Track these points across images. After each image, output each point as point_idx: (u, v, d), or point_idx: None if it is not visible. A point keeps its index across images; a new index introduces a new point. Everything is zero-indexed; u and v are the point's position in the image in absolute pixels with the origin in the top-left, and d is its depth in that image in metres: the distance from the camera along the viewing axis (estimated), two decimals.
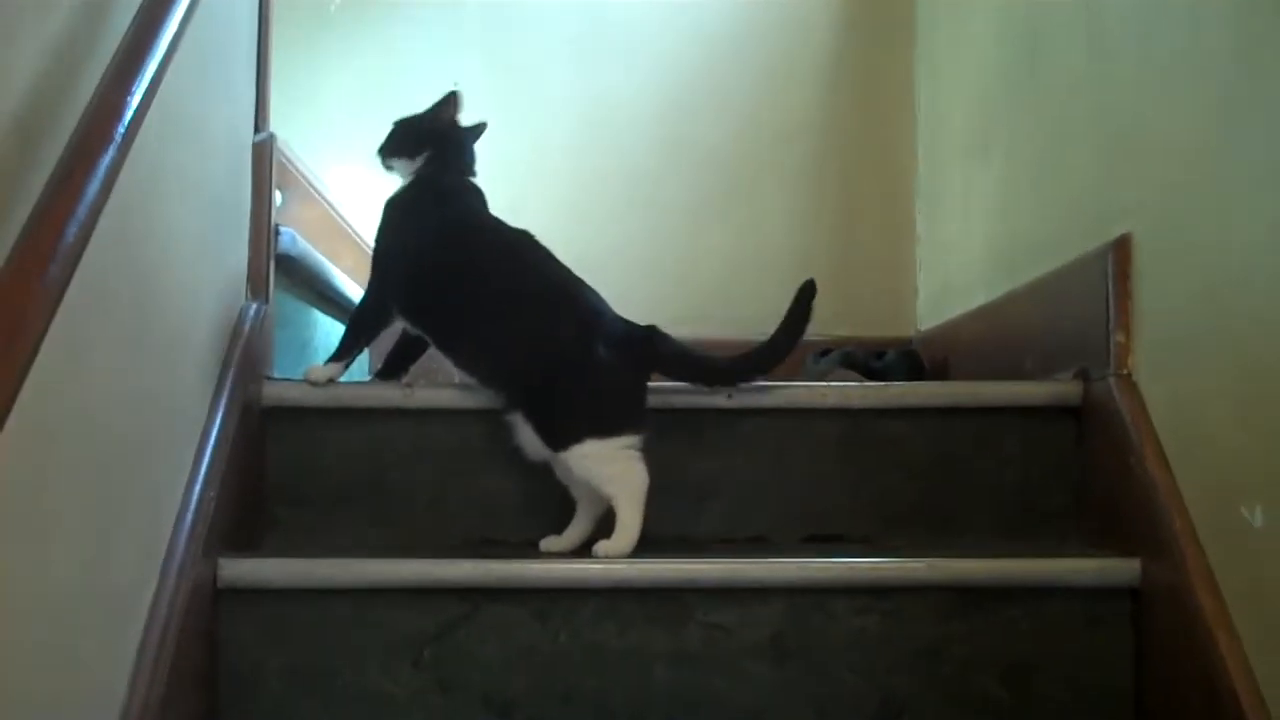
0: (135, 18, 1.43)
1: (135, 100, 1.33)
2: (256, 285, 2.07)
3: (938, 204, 3.43)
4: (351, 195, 3.15)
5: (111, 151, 1.27)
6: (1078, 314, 2.14)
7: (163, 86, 1.43)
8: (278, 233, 2.14)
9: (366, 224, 2.99)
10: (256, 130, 2.12)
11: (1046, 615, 1.88)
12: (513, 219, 3.57)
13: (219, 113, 1.94)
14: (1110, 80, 2.13)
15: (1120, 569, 1.87)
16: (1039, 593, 1.89)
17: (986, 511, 2.10)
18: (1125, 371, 1.98)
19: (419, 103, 3.59)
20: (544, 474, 2.03)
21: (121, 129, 1.29)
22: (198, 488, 1.76)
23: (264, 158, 2.10)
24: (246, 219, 2.05)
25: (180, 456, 1.76)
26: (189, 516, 1.72)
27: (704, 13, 3.75)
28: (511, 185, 3.61)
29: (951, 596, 1.89)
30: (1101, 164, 2.16)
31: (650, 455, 1.99)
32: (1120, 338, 1.99)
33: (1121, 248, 2.01)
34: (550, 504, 2.04)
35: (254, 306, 2.04)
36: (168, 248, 1.69)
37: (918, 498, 2.11)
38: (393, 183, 3.48)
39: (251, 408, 1.99)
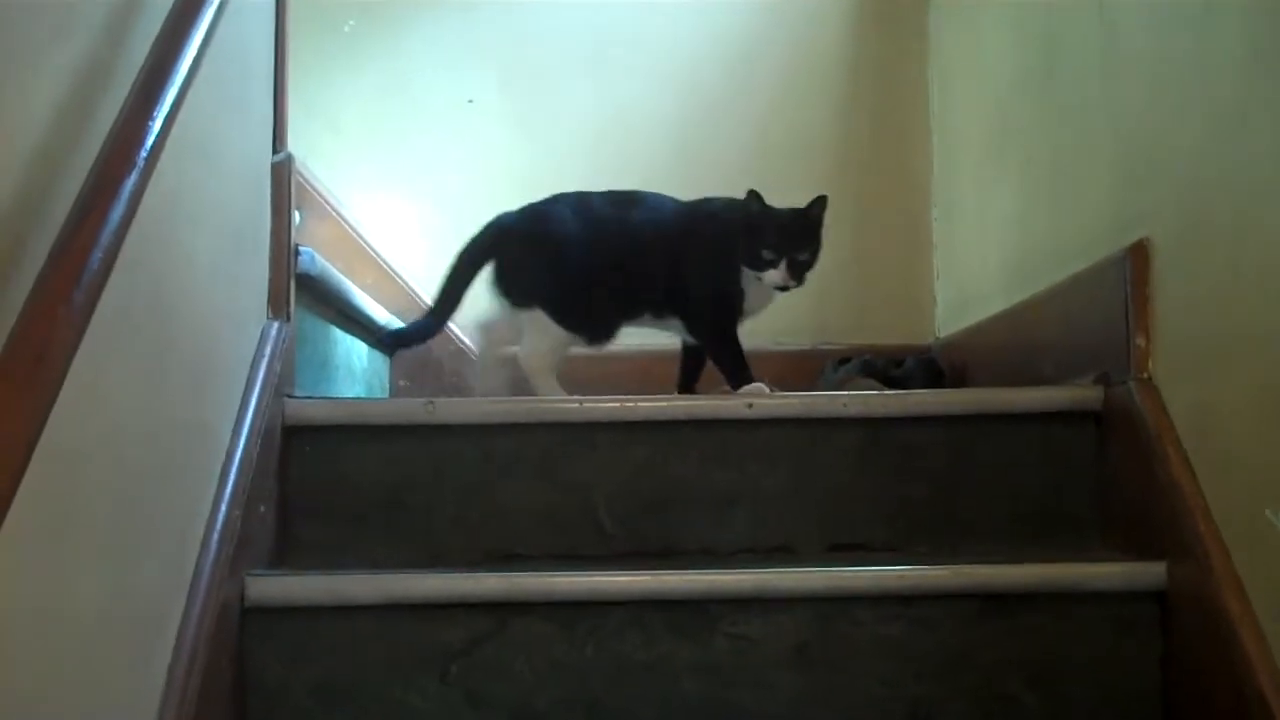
0: (154, 45, 1.44)
1: (156, 126, 1.34)
2: (278, 305, 2.07)
3: (954, 212, 3.43)
4: (369, 211, 3.17)
5: (134, 177, 1.28)
6: (1097, 319, 2.14)
7: (182, 111, 1.44)
8: (297, 252, 2.14)
9: (384, 240, 3.02)
10: (275, 151, 2.12)
11: (1073, 620, 1.88)
12: None
13: (237, 135, 1.95)
14: (1125, 86, 2.14)
15: (1146, 573, 1.86)
16: (1064, 597, 1.89)
17: (1009, 517, 2.10)
18: (1146, 375, 1.98)
19: (433, 118, 3.63)
20: (565, 487, 2.04)
21: (144, 155, 1.30)
22: (224, 508, 1.77)
23: (283, 178, 2.10)
24: (267, 239, 2.06)
25: (205, 477, 1.76)
26: (215, 537, 1.73)
27: (718, 26, 3.76)
28: (529, 199, 3.64)
29: (977, 603, 1.89)
30: (1118, 169, 2.16)
31: (672, 466, 2.06)
32: (1140, 342, 1.99)
33: (1139, 252, 2.01)
34: (577, 517, 2.06)
35: (276, 326, 2.05)
36: (189, 270, 1.70)
37: (940, 505, 2.10)
38: (405, 196, 3.53)
39: (274, 426, 1.99)
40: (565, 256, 2.38)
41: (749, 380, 2.27)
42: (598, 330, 2.40)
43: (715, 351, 2.39)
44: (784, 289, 2.28)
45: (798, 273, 2.27)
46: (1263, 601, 1.65)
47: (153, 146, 1.32)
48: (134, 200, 1.28)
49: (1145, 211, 2.03)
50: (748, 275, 2.30)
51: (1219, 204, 1.79)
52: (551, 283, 2.39)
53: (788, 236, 2.26)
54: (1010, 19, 2.94)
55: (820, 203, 2.29)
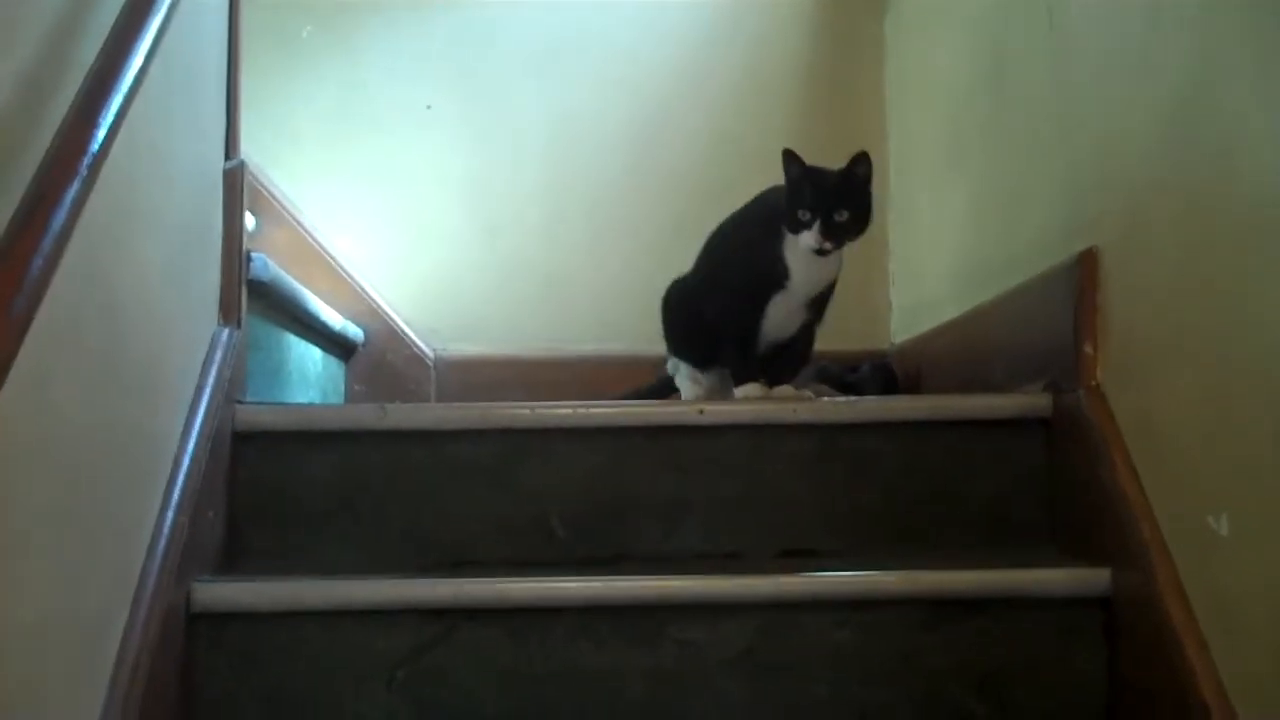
0: (100, 52, 1.43)
1: (100, 134, 1.33)
2: (229, 311, 2.06)
3: (910, 219, 3.45)
4: (326, 217, 3.16)
5: (77, 185, 1.27)
6: (1046, 326, 2.15)
7: (130, 118, 1.44)
8: (250, 258, 2.14)
9: (341, 245, 3.01)
10: (227, 157, 2.11)
11: (1019, 626, 1.89)
12: (488, 239, 3.61)
13: (188, 141, 1.94)
14: (1073, 95, 2.15)
15: (1091, 579, 1.88)
16: (1011, 603, 1.90)
17: (960, 523, 2.11)
18: (1094, 383, 1.99)
19: (391, 124, 3.62)
20: (518, 493, 2.04)
21: (87, 162, 1.29)
22: (170, 514, 1.76)
23: (235, 184, 2.09)
24: (218, 245, 2.05)
25: (153, 483, 1.75)
26: (161, 543, 1.72)
27: (674, 33, 3.76)
28: (486, 206, 3.65)
29: (925, 609, 1.89)
30: (1067, 177, 2.18)
31: (624, 472, 2.06)
32: (1088, 349, 2.00)
33: (1087, 261, 2.02)
34: (529, 523, 2.06)
35: (227, 332, 2.04)
36: (138, 277, 1.69)
37: (891, 511, 2.11)
38: (363, 203, 3.51)
39: (224, 432, 1.98)
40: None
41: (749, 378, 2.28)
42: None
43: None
44: (821, 252, 2.18)
45: (835, 234, 2.17)
46: (1205, 609, 1.66)
47: (97, 154, 1.31)
48: (76, 208, 1.27)
49: (1094, 220, 2.05)
50: (791, 245, 2.23)
51: (1164, 213, 1.80)
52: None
53: (825, 195, 2.17)
54: (962, 27, 2.95)
55: (861, 159, 2.20)
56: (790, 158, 2.21)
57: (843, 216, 2.17)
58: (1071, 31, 2.17)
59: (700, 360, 2.33)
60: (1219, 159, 1.64)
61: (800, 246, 2.20)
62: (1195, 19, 1.71)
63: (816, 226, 2.16)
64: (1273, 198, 1.51)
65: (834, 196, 2.17)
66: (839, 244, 2.19)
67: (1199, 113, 1.69)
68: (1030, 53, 2.39)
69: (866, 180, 2.21)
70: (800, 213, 2.18)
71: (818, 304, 2.31)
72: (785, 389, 2.25)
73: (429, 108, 3.67)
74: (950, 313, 2.87)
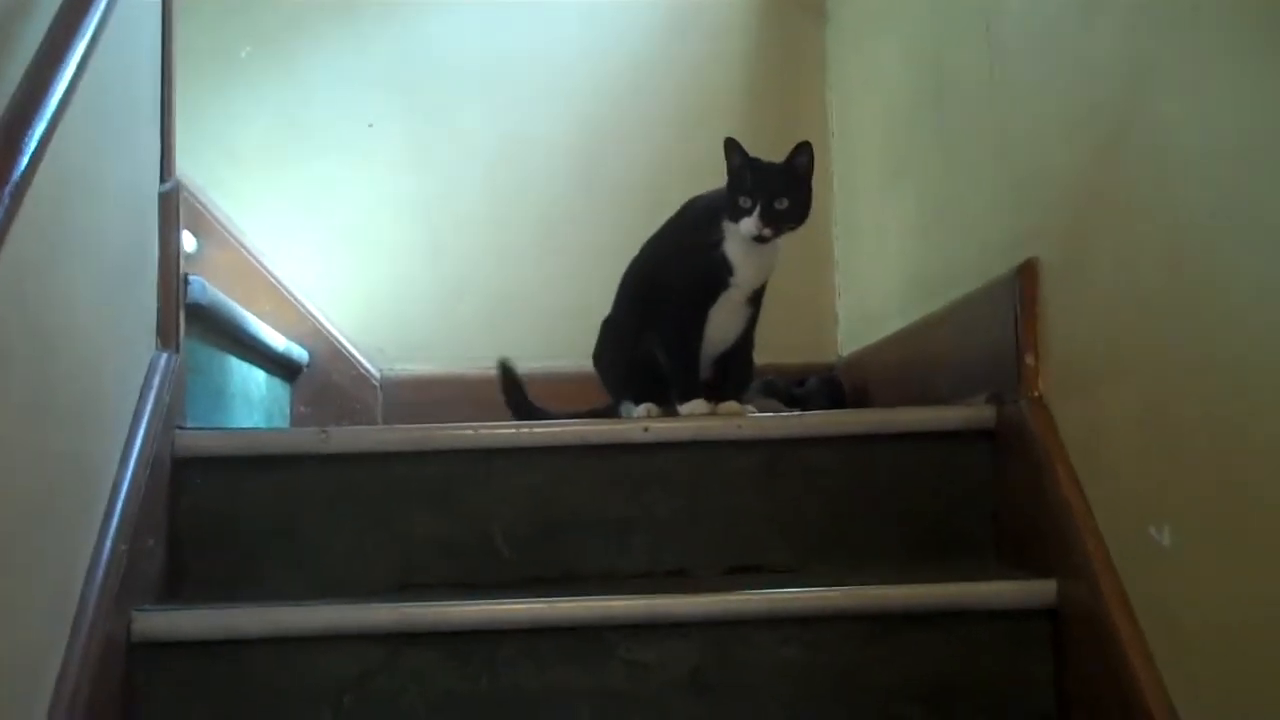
0: (23, 79, 1.41)
1: (23, 161, 1.32)
2: (167, 335, 2.04)
3: (854, 232, 3.45)
4: (269, 237, 3.13)
5: None
6: (989, 338, 2.15)
7: (56, 143, 1.42)
8: (188, 281, 2.11)
9: (284, 265, 2.99)
10: (163, 179, 2.09)
11: (966, 639, 1.89)
12: (432, 261, 3.59)
13: (121, 164, 1.92)
14: (1012, 108, 2.16)
15: (1037, 591, 1.87)
16: (958, 616, 1.90)
17: (907, 536, 2.10)
18: (1036, 394, 1.99)
19: (333, 143, 3.60)
20: (462, 514, 2.03)
21: (9, 190, 1.27)
22: (109, 542, 1.73)
23: (170, 206, 2.07)
24: (154, 269, 2.03)
25: (91, 512, 1.73)
26: (100, 572, 1.69)
27: (615, 49, 3.76)
28: (431, 224, 3.63)
29: (871, 623, 1.89)
30: (1008, 188, 2.18)
31: (569, 491, 2.05)
32: (1030, 361, 2.01)
33: (1027, 272, 2.02)
34: (474, 544, 2.04)
35: (164, 356, 2.02)
36: (69, 304, 1.67)
37: (838, 525, 2.11)
38: (307, 222, 3.49)
39: (164, 459, 1.96)
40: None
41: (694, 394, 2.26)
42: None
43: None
44: (760, 239, 2.19)
45: (774, 220, 2.17)
46: (1150, 620, 1.66)
47: (19, 181, 1.29)
48: None
49: (1034, 231, 2.05)
50: (733, 238, 2.23)
51: (1101, 224, 1.80)
52: None
53: (766, 183, 2.18)
54: (902, 40, 2.96)
55: (803, 149, 2.21)
56: (732, 146, 2.23)
57: (782, 204, 2.18)
58: (1009, 44, 2.18)
59: (641, 392, 2.31)
60: (1153, 171, 1.64)
61: (740, 234, 2.20)
62: (1129, 33, 1.71)
63: (757, 212, 2.17)
64: (1205, 210, 1.52)
65: (775, 184, 2.18)
66: (778, 231, 2.20)
67: (1133, 125, 1.70)
68: (969, 64, 2.39)
69: (807, 170, 2.22)
70: (741, 199, 2.19)
71: (756, 299, 2.31)
72: (731, 405, 2.24)
73: (371, 126, 3.65)
74: (896, 325, 2.88)
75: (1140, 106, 1.68)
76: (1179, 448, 1.59)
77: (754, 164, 2.22)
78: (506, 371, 2.66)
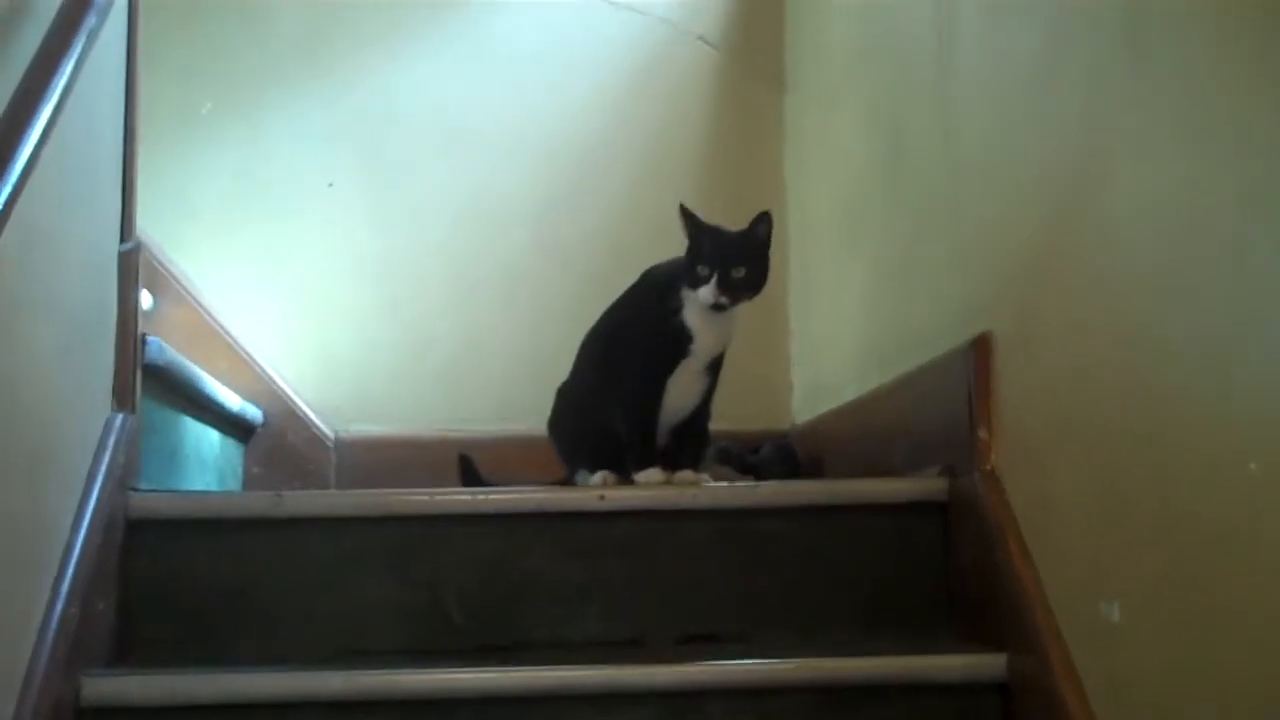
0: None
1: None
2: (123, 396, 2.03)
3: (810, 299, 3.48)
4: (226, 296, 3.13)
5: None
6: (942, 410, 2.17)
7: (21, 205, 1.42)
8: (145, 341, 2.11)
9: (241, 325, 2.98)
10: (123, 239, 2.09)
11: (917, 712, 1.90)
12: (391, 321, 3.58)
13: (82, 225, 1.92)
14: (966, 182, 2.19)
15: (987, 665, 1.89)
16: (909, 690, 1.91)
17: (860, 607, 2.12)
18: (989, 467, 2.01)
19: (293, 202, 3.60)
20: (416, 580, 2.02)
21: None
22: (60, 605, 1.72)
23: (130, 267, 2.07)
24: (112, 329, 2.02)
25: (41, 572, 1.72)
26: (50, 635, 1.68)
27: (576, 113, 3.78)
28: (389, 284, 3.63)
29: (824, 695, 1.90)
30: (961, 262, 2.21)
31: (524, 559, 2.05)
32: (983, 434, 2.03)
33: (981, 346, 2.05)
34: (422, 610, 2.03)
35: (120, 418, 2.01)
36: (27, 364, 1.66)
37: (791, 595, 2.12)
38: (264, 281, 3.48)
39: (117, 521, 1.95)
40: None
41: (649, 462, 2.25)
42: None
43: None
44: (717, 307, 2.19)
45: (731, 289, 2.18)
46: (1100, 695, 1.67)
47: None
48: None
49: (987, 304, 2.08)
50: (691, 306, 2.23)
51: (1053, 298, 1.83)
52: None
53: (723, 251, 2.19)
54: (859, 111, 3.00)
55: (763, 219, 2.22)
56: (686, 214, 2.25)
57: (740, 273, 2.19)
58: (963, 116, 2.21)
59: (597, 460, 2.30)
60: (1102, 246, 1.68)
61: (698, 302, 2.20)
62: (1082, 109, 1.75)
63: (714, 281, 2.18)
64: (1152, 288, 1.54)
65: (732, 253, 2.20)
66: (735, 299, 2.21)
67: (1083, 201, 1.73)
68: (924, 136, 2.43)
69: (766, 239, 2.24)
70: (699, 268, 2.20)
71: (715, 366, 2.32)
72: (686, 474, 2.25)
73: (331, 185, 3.65)
74: (851, 393, 2.90)
75: (1092, 180, 1.71)
76: (1127, 523, 1.62)
77: (713, 232, 2.24)
78: (465, 463, 2.65)
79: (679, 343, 2.25)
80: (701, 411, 2.34)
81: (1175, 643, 1.51)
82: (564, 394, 2.48)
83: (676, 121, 3.82)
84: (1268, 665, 1.33)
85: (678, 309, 2.24)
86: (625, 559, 2.10)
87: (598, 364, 2.39)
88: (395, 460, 3.33)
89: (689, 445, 2.33)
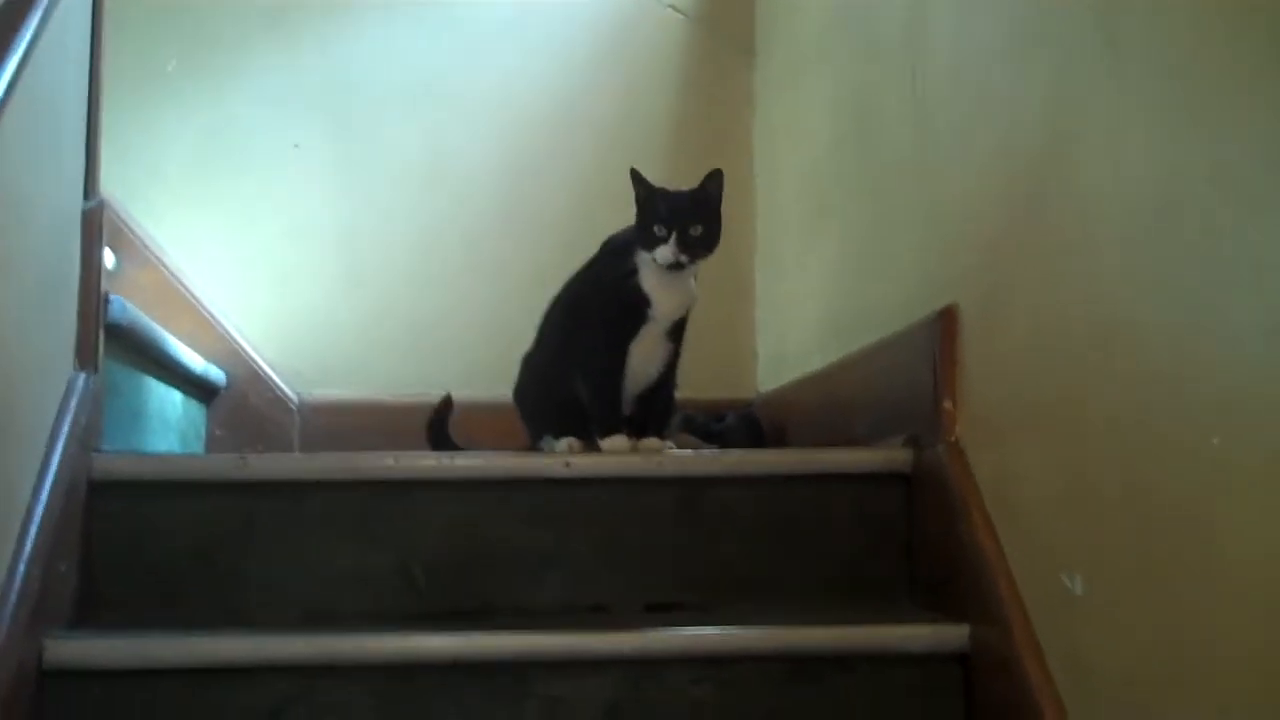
0: None
1: None
2: (85, 356, 2.01)
3: (776, 269, 3.48)
4: (190, 257, 3.11)
5: None
6: (908, 382, 2.18)
7: None
8: (108, 300, 2.09)
9: (205, 286, 2.96)
10: (86, 197, 2.07)
11: (879, 682, 1.91)
12: (354, 285, 3.57)
13: (47, 182, 1.90)
14: (935, 154, 2.19)
15: (949, 635, 1.90)
16: (871, 659, 1.92)
17: (822, 578, 2.13)
18: (953, 439, 2.02)
19: (258, 163, 3.58)
20: (381, 546, 2.02)
21: None
22: (21, 566, 1.70)
23: (93, 225, 2.05)
24: (75, 289, 2.01)
25: (3, 534, 1.70)
26: (11, 597, 1.66)
27: (545, 78, 3.77)
28: (354, 247, 3.61)
29: (786, 665, 1.90)
30: (929, 235, 2.22)
31: (489, 525, 2.06)
32: (948, 405, 2.04)
33: (947, 318, 2.06)
34: (391, 575, 2.03)
35: (83, 378, 1.99)
36: None
37: (755, 565, 2.12)
38: (228, 242, 3.45)
39: (79, 482, 1.94)
40: None
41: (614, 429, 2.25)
42: None
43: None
44: (677, 266, 2.19)
45: (690, 247, 2.18)
46: (1062, 668, 1.69)
47: None
48: None
49: (954, 277, 2.08)
50: (647, 269, 2.23)
51: (1021, 273, 1.84)
52: None
53: (679, 210, 2.19)
54: (828, 82, 3.00)
55: (714, 176, 2.23)
56: (637, 177, 2.25)
57: (697, 231, 2.19)
58: (934, 90, 2.21)
59: (563, 428, 2.30)
60: (1072, 223, 1.68)
61: (656, 261, 2.20)
62: (1053, 85, 1.75)
63: (672, 240, 2.17)
64: (1120, 265, 1.55)
65: (688, 211, 2.20)
66: (694, 257, 2.20)
67: (1054, 177, 1.74)
68: (894, 109, 2.43)
69: (718, 197, 2.24)
70: (656, 228, 2.19)
71: (677, 332, 2.31)
72: (652, 441, 2.25)
73: (297, 146, 3.63)
74: (816, 363, 2.90)
75: (1062, 159, 1.71)
76: (1090, 497, 1.63)
77: (664, 193, 2.24)
78: (443, 405, 2.64)
79: (637, 307, 2.25)
80: (666, 379, 2.34)
81: (1137, 615, 1.52)
82: (528, 362, 2.47)
83: (645, 90, 3.81)
84: (1228, 637, 1.34)
85: (633, 271, 2.24)
86: (591, 526, 2.10)
87: (561, 332, 2.39)
88: (359, 424, 3.32)
89: (654, 413, 2.33)
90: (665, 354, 2.31)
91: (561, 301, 2.41)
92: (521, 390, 2.47)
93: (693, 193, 2.23)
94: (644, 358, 2.28)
